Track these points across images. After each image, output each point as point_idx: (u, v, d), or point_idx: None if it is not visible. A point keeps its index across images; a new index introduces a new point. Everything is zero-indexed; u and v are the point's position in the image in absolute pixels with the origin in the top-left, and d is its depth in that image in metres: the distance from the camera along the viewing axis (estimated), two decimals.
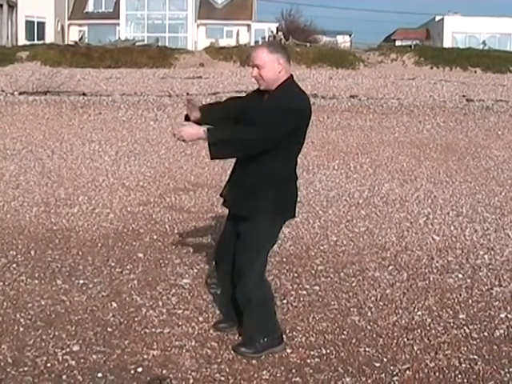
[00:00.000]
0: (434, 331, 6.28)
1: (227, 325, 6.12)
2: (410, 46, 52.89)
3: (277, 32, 62.53)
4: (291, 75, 5.55)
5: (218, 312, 6.52)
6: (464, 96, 29.25)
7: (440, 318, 6.61)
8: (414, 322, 6.48)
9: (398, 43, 65.24)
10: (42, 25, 61.17)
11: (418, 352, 5.84)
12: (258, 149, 5.34)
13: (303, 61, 46.57)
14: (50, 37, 59.80)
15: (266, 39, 59.49)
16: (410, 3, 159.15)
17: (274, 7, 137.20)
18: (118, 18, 63.20)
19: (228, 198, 5.74)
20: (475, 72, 44.84)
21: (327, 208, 11.03)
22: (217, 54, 48.29)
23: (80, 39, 58.80)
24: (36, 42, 57.32)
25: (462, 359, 5.73)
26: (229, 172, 5.78)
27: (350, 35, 78.09)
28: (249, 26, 64.63)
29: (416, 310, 6.80)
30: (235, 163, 5.66)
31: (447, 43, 63.51)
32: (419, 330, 6.28)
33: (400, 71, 42.89)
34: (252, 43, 58.95)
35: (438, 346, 5.97)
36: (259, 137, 5.30)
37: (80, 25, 64.99)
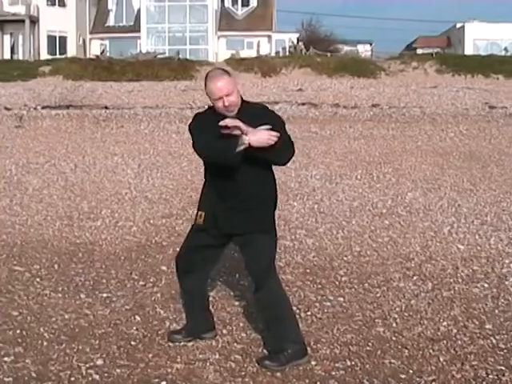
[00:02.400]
0: (460, 342, 6.20)
1: (182, 336, 6.16)
2: (432, 54, 52.68)
3: (297, 42, 62.52)
4: None
5: (241, 324, 6.49)
6: (487, 103, 29.15)
7: (466, 328, 6.53)
8: (439, 333, 6.41)
9: (419, 51, 64.88)
10: (63, 39, 61.52)
11: (444, 363, 5.77)
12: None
13: (324, 70, 46.47)
14: (71, 51, 60.12)
15: (287, 49, 59.56)
16: (431, 11, 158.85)
17: (294, 17, 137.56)
18: (139, 31, 63.40)
19: (226, 223, 5.68)
20: (497, 79, 44.55)
21: (350, 218, 10.99)
22: (238, 66, 48.25)
23: (101, 53, 59.05)
24: (58, 56, 57.66)
25: (489, 370, 5.65)
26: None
27: (371, 44, 77.92)
28: (269, 36, 64.57)
29: (441, 320, 6.73)
30: (223, 188, 5.65)
31: (468, 50, 63.18)
32: (445, 341, 6.21)
33: (422, 79, 42.74)
34: (273, 54, 59.00)
35: (464, 356, 5.90)
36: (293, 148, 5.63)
37: (101, 38, 65.23)
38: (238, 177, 5.53)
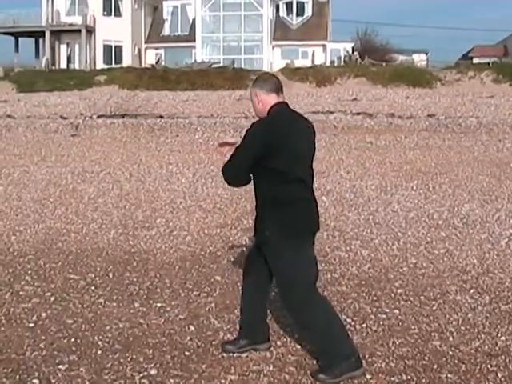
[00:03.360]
0: None
1: (236, 347, 6.10)
2: (488, 64, 52.16)
3: (352, 52, 62.35)
4: (279, 103, 5.67)
5: (296, 336, 6.42)
6: None
7: None
8: (497, 348, 6.28)
9: (475, 60, 64.39)
10: (119, 49, 62.19)
11: (503, 379, 5.64)
12: (235, 171, 5.81)
13: (379, 80, 46.28)
14: (127, 60, 60.74)
15: (342, 59, 59.47)
16: (487, 20, 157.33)
17: (349, 27, 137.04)
18: (194, 40, 63.85)
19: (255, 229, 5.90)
20: None
21: (406, 229, 10.87)
22: (292, 75, 48.27)
23: (157, 62, 59.52)
24: (113, 65, 58.29)
25: None
26: None
27: (427, 53, 77.45)
28: (324, 46, 64.52)
29: (499, 334, 6.60)
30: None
31: None
32: (503, 356, 6.08)
33: (478, 89, 42.30)
34: (328, 63, 58.95)
35: None
36: (234, 160, 5.74)
37: (156, 48, 65.80)
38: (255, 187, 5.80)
